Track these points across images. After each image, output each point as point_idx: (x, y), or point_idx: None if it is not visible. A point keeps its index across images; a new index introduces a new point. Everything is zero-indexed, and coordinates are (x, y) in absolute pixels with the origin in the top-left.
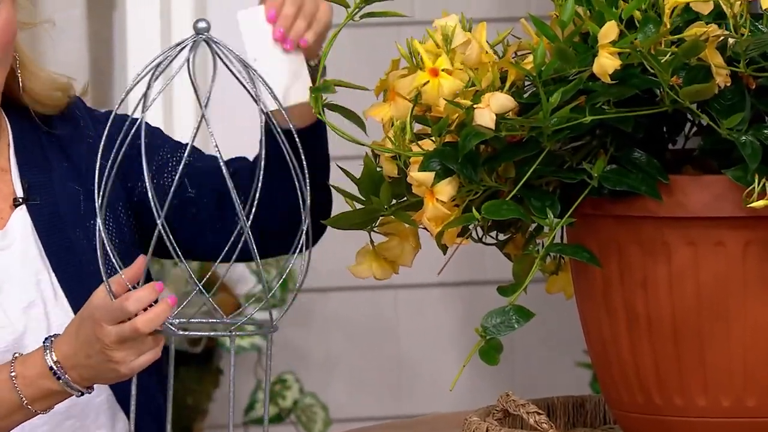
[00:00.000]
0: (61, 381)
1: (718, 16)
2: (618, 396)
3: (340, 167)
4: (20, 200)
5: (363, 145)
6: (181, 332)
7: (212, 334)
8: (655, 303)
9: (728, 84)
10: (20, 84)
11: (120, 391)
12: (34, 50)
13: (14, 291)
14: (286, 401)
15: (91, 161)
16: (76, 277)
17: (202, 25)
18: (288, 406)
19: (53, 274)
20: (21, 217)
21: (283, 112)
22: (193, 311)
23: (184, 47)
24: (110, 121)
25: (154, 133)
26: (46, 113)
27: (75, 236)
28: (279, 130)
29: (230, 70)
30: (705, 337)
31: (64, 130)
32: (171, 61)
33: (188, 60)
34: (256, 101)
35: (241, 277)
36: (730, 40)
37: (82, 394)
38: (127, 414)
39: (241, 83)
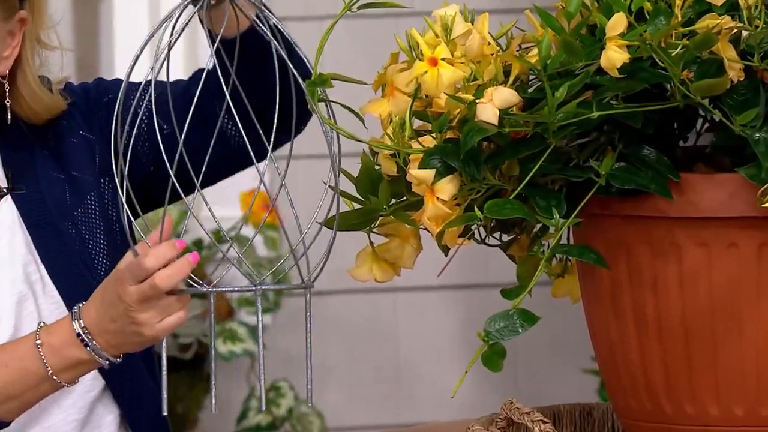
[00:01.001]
0: (88, 348)
1: (731, 7)
2: (626, 404)
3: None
4: (5, 190)
5: (361, 141)
6: (206, 288)
7: (241, 288)
8: (665, 306)
9: (742, 78)
10: (14, 99)
11: (128, 410)
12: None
13: (5, 285)
14: (281, 409)
15: (66, 145)
16: (66, 267)
17: None
18: (282, 414)
19: (41, 265)
20: (6, 207)
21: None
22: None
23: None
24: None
25: (110, 87)
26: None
27: (63, 226)
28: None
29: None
30: (717, 343)
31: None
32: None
33: (201, 11)
34: (276, 53)
35: (234, 278)
36: (744, 33)
37: (110, 363)
38: (135, 430)
39: (263, 33)
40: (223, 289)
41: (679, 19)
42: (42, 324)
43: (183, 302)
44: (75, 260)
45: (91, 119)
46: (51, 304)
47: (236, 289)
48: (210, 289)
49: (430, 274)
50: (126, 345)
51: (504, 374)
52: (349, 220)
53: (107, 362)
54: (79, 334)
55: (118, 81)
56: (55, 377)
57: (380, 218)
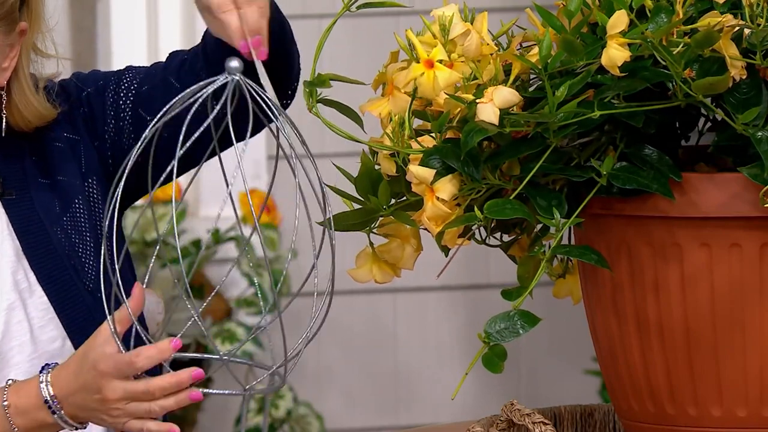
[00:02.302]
0: (56, 416)
1: (733, 5)
2: (628, 405)
3: (336, 166)
4: None
5: (360, 142)
6: (197, 390)
7: (228, 392)
8: (666, 307)
9: (744, 77)
10: (8, 107)
11: None
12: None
13: None
14: (279, 411)
15: (52, 150)
16: (56, 273)
17: (234, 64)
18: (281, 416)
19: (30, 272)
20: None
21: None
22: (184, 316)
23: (214, 84)
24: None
25: (88, 79)
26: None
27: (53, 232)
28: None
29: (259, 112)
30: (719, 343)
31: None
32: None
33: (228, 98)
34: (276, 136)
35: (232, 280)
36: (746, 31)
37: (77, 429)
38: None
39: (269, 126)
40: (212, 391)
41: (681, 16)
42: (10, 381)
43: (165, 409)
44: (65, 265)
45: (74, 118)
46: (40, 311)
47: (225, 392)
48: (203, 390)
49: (430, 274)
50: (92, 422)
51: (505, 375)
52: (349, 220)
53: (74, 429)
54: (47, 401)
55: (95, 73)
56: None
57: (380, 219)
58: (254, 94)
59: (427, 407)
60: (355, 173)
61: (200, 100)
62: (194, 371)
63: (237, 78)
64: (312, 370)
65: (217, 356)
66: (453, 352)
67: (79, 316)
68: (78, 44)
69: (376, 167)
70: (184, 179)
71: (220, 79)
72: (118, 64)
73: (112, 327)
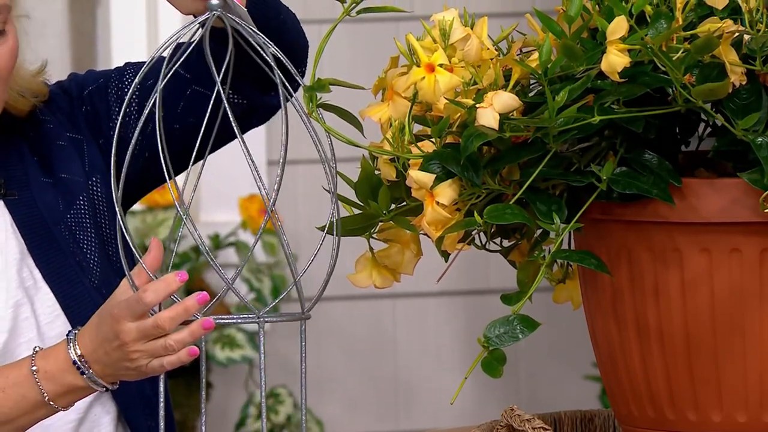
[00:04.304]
0: (85, 376)
1: (733, 11)
2: (628, 411)
3: (336, 170)
4: None
5: (360, 147)
6: (199, 317)
7: (241, 320)
8: (666, 312)
9: (744, 82)
10: None
11: (126, 409)
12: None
13: (0, 293)
14: (279, 416)
15: (54, 149)
16: (62, 270)
17: (214, 2)
18: (281, 421)
19: (36, 270)
20: (0, 213)
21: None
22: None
23: (198, 23)
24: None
25: (87, 78)
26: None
27: (57, 230)
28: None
29: (244, 43)
30: (719, 349)
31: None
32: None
33: (203, 36)
34: (270, 70)
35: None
36: (746, 37)
37: (107, 390)
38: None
39: (256, 55)
40: (224, 320)
41: (681, 22)
42: (37, 348)
43: (181, 342)
44: (70, 262)
45: (75, 118)
46: (47, 308)
47: (237, 320)
48: (213, 317)
49: (430, 280)
50: (121, 377)
51: (505, 381)
52: (349, 225)
53: (104, 389)
54: (75, 362)
55: (92, 72)
56: (51, 403)
57: (380, 224)
58: (239, 28)
59: (427, 412)
60: (355, 178)
61: (194, 41)
62: (199, 295)
63: (217, 13)
64: (312, 375)
65: (252, 316)
66: (453, 357)
67: (85, 313)
68: (78, 48)
69: (376, 172)
70: (182, 183)
71: (200, 18)
72: None
73: (130, 279)
